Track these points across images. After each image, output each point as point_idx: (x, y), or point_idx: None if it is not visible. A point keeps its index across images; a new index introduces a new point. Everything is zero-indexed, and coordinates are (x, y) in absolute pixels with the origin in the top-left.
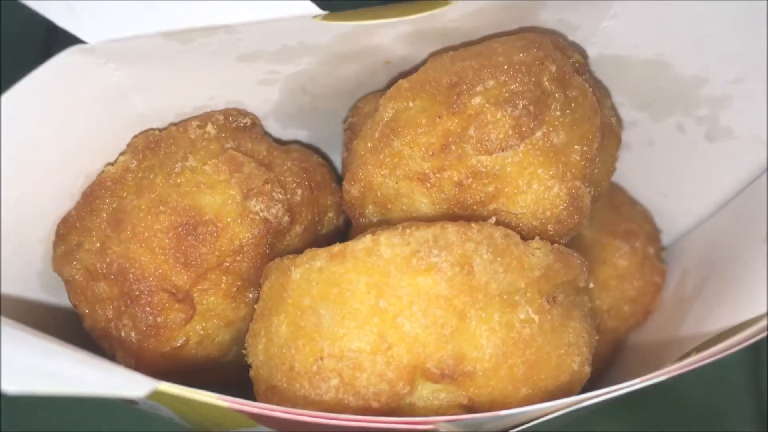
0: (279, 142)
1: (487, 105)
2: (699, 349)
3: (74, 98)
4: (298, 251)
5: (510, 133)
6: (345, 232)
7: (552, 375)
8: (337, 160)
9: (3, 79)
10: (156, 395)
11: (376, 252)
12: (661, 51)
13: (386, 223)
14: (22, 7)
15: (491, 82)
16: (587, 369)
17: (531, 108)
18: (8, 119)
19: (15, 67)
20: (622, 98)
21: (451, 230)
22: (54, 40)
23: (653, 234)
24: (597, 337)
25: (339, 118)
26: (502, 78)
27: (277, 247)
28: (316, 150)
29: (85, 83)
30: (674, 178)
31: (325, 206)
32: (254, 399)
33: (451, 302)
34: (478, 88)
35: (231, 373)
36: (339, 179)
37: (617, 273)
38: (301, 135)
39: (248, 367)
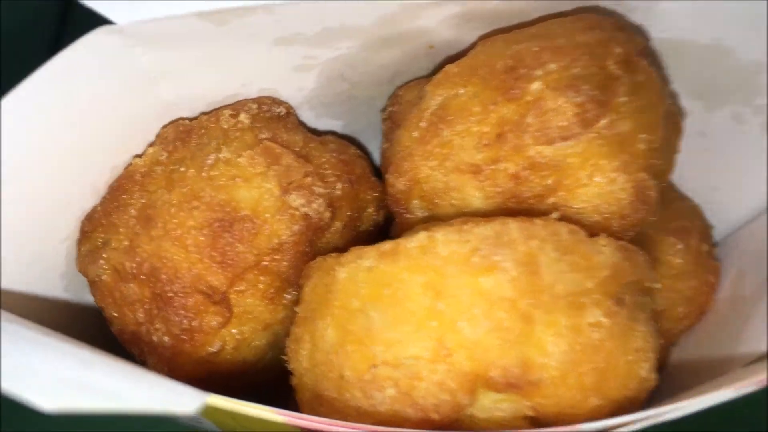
0: (314, 132)
1: (547, 90)
2: None
3: (100, 85)
4: (338, 249)
5: (573, 120)
6: (385, 228)
7: (621, 383)
8: (374, 151)
9: (9, 71)
10: (205, 410)
11: (432, 250)
12: (720, 35)
13: (434, 219)
14: None
15: (552, 66)
16: (654, 376)
17: (596, 93)
18: (27, 108)
19: (22, 60)
20: (677, 86)
21: (514, 226)
22: (64, 30)
23: (705, 230)
24: (662, 341)
25: (376, 107)
26: (564, 61)
27: (316, 245)
28: (352, 141)
29: (112, 68)
30: (727, 171)
31: (365, 201)
32: (289, 405)
33: (515, 304)
34: (538, 72)
35: (265, 377)
36: (377, 173)
37: (672, 272)
38: (336, 125)
39: (282, 371)
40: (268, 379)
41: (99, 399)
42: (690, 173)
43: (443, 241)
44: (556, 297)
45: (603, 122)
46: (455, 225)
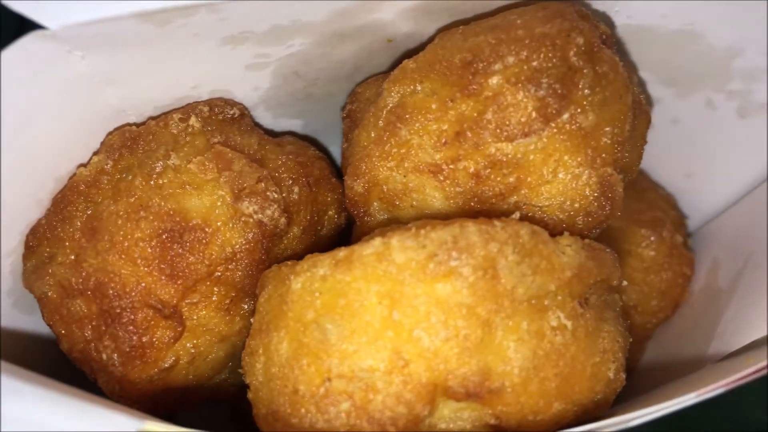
0: (271, 134)
1: (506, 85)
2: (747, 348)
3: (37, 93)
4: (298, 256)
5: (534, 116)
6: (348, 231)
7: (587, 387)
8: (335, 151)
9: None
10: None
11: (388, 257)
12: (691, 20)
13: (395, 221)
14: None
15: (511, 59)
16: (623, 376)
17: (557, 87)
18: None
19: None
20: (646, 74)
21: (472, 229)
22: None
23: (679, 220)
24: (630, 339)
25: (337, 105)
26: (524, 53)
27: (273, 252)
28: (312, 141)
29: (49, 75)
30: (701, 158)
31: (325, 204)
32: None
33: (474, 311)
34: (496, 66)
35: (227, 390)
36: (339, 173)
37: (644, 265)
38: (295, 125)
39: (246, 383)
40: (230, 392)
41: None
42: (663, 161)
43: (399, 247)
44: (517, 301)
45: (565, 116)
46: (412, 229)
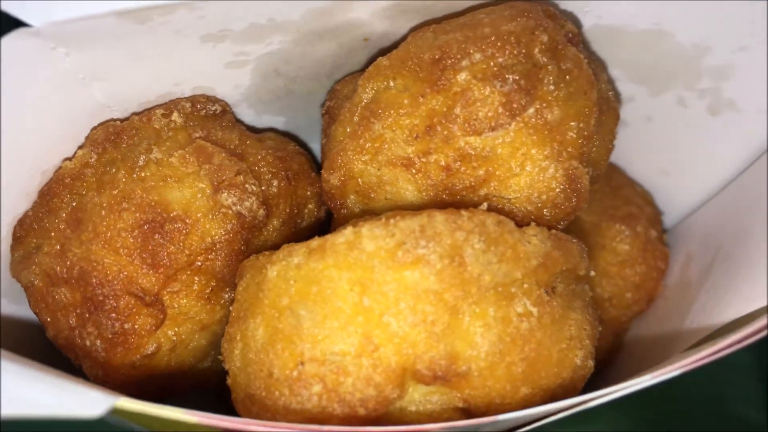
0: (253, 130)
1: (473, 81)
2: (710, 338)
3: (23, 89)
4: (277, 247)
5: (500, 110)
6: (327, 224)
7: (553, 372)
8: (316, 147)
9: None
10: (118, 413)
11: (358, 245)
12: (659, 19)
13: (370, 213)
14: None
15: (478, 56)
16: (591, 363)
17: (522, 82)
18: None
19: None
20: (619, 72)
21: (439, 219)
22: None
23: (654, 216)
24: (600, 329)
25: (317, 102)
26: (490, 51)
27: (253, 243)
28: (293, 137)
29: (34, 71)
30: (675, 156)
31: (305, 197)
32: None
33: (441, 297)
34: (464, 63)
35: (210, 378)
36: (319, 168)
37: (618, 259)
38: (278, 122)
39: (226, 370)
40: (213, 380)
41: (10, 405)
42: (639, 159)
43: (369, 236)
44: (483, 288)
45: (531, 111)
46: (382, 219)
